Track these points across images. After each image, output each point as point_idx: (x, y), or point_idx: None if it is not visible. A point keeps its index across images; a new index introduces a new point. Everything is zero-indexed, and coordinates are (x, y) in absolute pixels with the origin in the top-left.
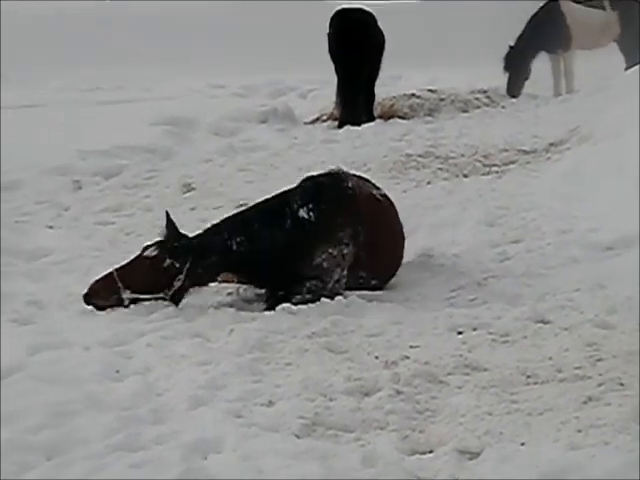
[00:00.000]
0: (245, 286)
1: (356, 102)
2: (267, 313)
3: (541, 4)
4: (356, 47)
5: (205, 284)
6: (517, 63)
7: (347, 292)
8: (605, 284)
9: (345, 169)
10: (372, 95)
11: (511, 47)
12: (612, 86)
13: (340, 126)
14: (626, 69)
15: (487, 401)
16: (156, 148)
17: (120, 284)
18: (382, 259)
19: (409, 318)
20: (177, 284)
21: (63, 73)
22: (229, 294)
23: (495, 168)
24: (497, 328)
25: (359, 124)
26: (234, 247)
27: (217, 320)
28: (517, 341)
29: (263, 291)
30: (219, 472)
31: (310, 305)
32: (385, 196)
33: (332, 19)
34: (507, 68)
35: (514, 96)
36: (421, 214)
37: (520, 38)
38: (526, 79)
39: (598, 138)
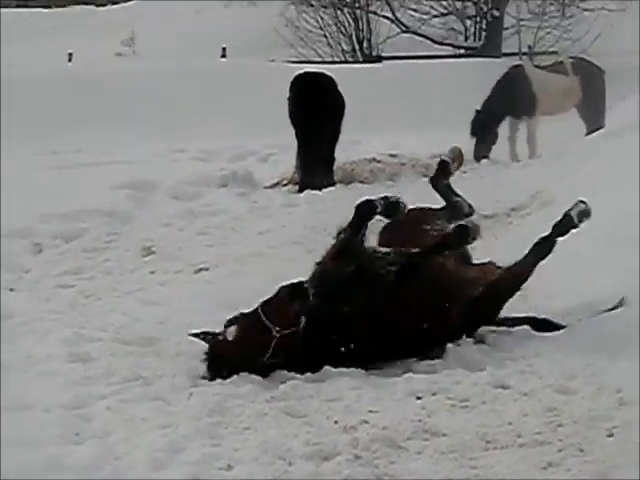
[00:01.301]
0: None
1: (316, 166)
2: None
3: (506, 69)
4: (316, 111)
5: None
6: (484, 128)
7: None
8: (564, 350)
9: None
10: (332, 159)
11: (478, 112)
12: (572, 151)
13: (300, 190)
14: (587, 134)
15: (446, 466)
16: (116, 212)
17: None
18: None
19: (368, 383)
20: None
21: (18, 138)
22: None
23: None
24: (456, 393)
25: (319, 188)
26: None
27: (176, 384)
28: (476, 406)
29: None
30: None
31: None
32: None
33: (292, 83)
34: (474, 133)
35: (480, 159)
36: None
37: (487, 103)
38: (493, 144)
39: (559, 202)
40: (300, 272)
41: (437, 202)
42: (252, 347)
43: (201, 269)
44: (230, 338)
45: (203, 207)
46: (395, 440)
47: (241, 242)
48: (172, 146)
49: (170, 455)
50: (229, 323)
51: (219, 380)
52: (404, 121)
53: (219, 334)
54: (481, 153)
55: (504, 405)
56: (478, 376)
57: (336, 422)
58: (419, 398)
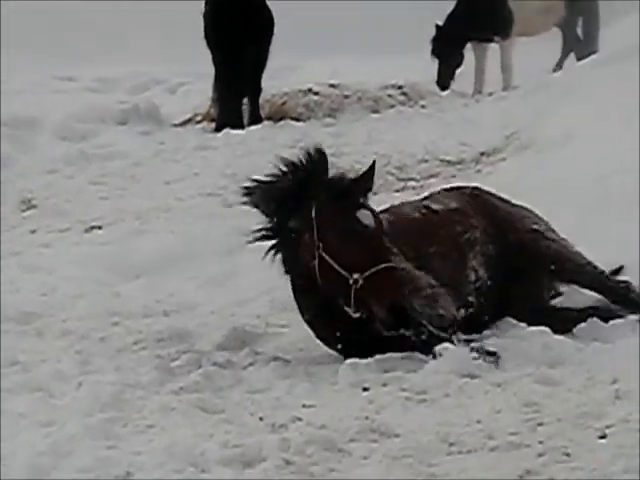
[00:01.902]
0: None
1: (238, 99)
2: (122, 362)
3: None
4: (237, 30)
5: None
6: (448, 47)
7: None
8: (548, 331)
9: None
10: (258, 90)
11: (439, 28)
12: (556, 83)
13: (218, 129)
14: (578, 60)
15: (399, 474)
16: None
17: None
18: None
19: (302, 370)
20: None
21: None
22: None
23: (412, 183)
24: (412, 384)
25: (242, 127)
26: None
27: (62, 370)
28: (437, 400)
29: None
30: None
31: (178, 353)
32: None
33: None
34: (436, 53)
35: (444, 88)
36: None
37: (450, 18)
38: (458, 66)
39: (541, 146)
40: (217, 231)
41: (390, 146)
42: None
43: (93, 227)
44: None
45: (97, 149)
46: (335, 442)
47: (143, 193)
48: (58, 73)
49: (55, 460)
50: None
51: (117, 366)
52: (348, 43)
53: None
54: (447, 78)
55: (472, 399)
56: (439, 362)
57: (261, 419)
58: (366, 390)
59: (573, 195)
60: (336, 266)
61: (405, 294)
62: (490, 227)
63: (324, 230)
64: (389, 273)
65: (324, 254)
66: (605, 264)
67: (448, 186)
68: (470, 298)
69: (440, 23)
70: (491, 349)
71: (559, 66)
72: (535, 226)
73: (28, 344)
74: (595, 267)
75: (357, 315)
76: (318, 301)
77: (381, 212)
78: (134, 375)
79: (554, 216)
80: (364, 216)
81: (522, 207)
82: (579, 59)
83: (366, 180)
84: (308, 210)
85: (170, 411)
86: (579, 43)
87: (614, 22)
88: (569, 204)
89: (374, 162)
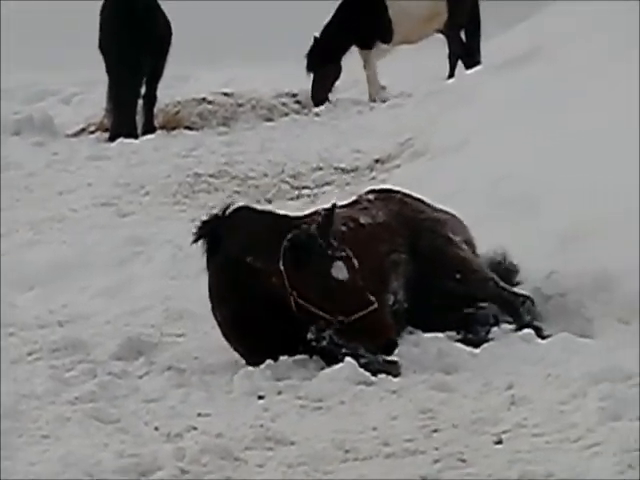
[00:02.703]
0: None
1: (132, 109)
2: (18, 373)
3: None
4: (132, 39)
5: None
6: (324, 60)
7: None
8: (443, 337)
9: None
10: (153, 100)
11: (316, 40)
12: (450, 89)
13: (112, 139)
14: (467, 68)
15: None
16: None
17: None
18: None
19: (197, 379)
20: None
21: None
22: None
23: (306, 191)
24: (307, 391)
25: (135, 136)
26: None
27: None
28: (332, 407)
29: None
30: None
31: (73, 363)
32: None
33: (104, 5)
34: (311, 68)
35: (320, 103)
36: None
37: (327, 29)
38: (336, 79)
39: (435, 153)
40: (111, 241)
41: (284, 154)
42: None
43: None
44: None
45: None
46: (231, 450)
47: (37, 204)
48: None
49: None
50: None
51: (13, 377)
52: (242, 52)
53: None
54: (321, 94)
55: (367, 406)
56: (334, 370)
57: (157, 429)
58: (261, 398)
59: (467, 200)
60: (318, 312)
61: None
62: (411, 236)
63: (296, 282)
64: (375, 314)
65: (300, 301)
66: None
67: (378, 188)
68: None
69: (317, 35)
70: (390, 358)
71: (452, 74)
72: (450, 234)
73: None
74: (497, 283)
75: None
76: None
77: (309, 216)
78: (29, 385)
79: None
80: (338, 270)
81: (449, 214)
82: (467, 68)
83: (326, 228)
84: (272, 255)
85: (65, 421)
86: (466, 51)
87: (503, 31)
88: (464, 209)
89: (333, 206)
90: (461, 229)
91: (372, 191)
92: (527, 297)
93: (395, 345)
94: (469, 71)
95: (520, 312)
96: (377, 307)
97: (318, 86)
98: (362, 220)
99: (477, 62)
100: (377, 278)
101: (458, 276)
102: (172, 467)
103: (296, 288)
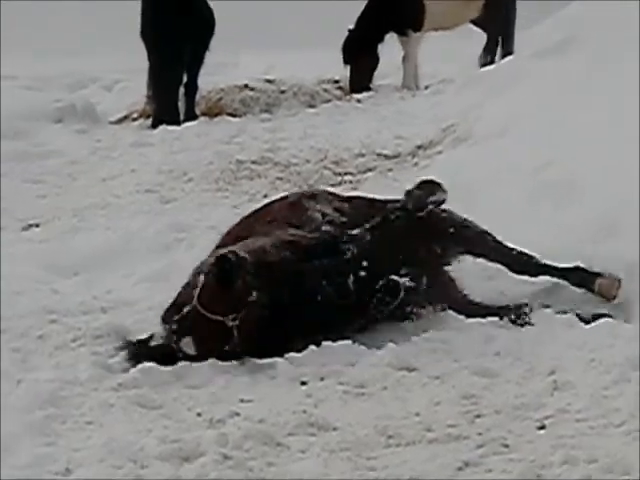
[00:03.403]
0: None
1: (174, 96)
2: (61, 359)
3: None
4: (178, 28)
5: None
6: (360, 51)
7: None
8: (486, 322)
9: None
10: (195, 87)
11: (350, 31)
12: (492, 75)
13: (154, 126)
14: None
15: (337, 467)
16: None
17: None
18: None
19: (240, 365)
20: None
21: None
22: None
23: (349, 177)
24: (350, 377)
25: (178, 123)
26: None
27: (1, 368)
28: (375, 393)
29: None
30: None
31: (116, 349)
32: None
33: None
34: (348, 59)
35: (359, 92)
36: None
37: (361, 19)
38: (374, 69)
39: (477, 139)
40: (155, 227)
41: (326, 140)
42: (211, 349)
43: (31, 225)
44: (191, 352)
45: (33, 148)
46: (273, 436)
47: (80, 191)
48: None
49: None
50: (177, 332)
51: (54, 363)
52: (284, 38)
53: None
54: (359, 83)
55: (410, 391)
56: (377, 356)
57: (199, 414)
58: (304, 383)
59: (509, 186)
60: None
61: None
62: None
63: None
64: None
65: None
66: (546, 255)
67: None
68: None
69: (351, 26)
70: None
71: (492, 60)
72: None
73: None
74: (494, 238)
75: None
76: None
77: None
78: (73, 372)
79: (491, 207)
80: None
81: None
82: (503, 55)
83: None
84: None
85: (109, 407)
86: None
87: (548, 15)
88: (505, 195)
89: None
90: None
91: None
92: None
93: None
94: (504, 60)
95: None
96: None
97: (356, 78)
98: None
99: (509, 52)
100: None
101: (452, 230)
102: (214, 453)
103: None
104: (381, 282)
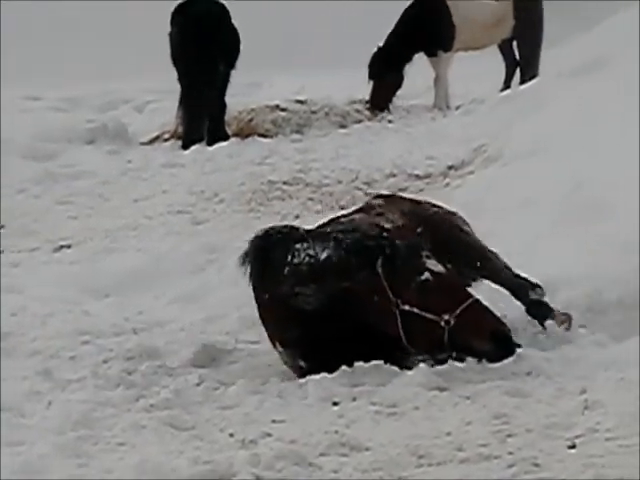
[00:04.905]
0: None
1: (204, 116)
2: (93, 381)
3: None
4: (203, 49)
5: None
6: (386, 67)
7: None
8: (517, 341)
9: None
10: (224, 107)
11: (380, 48)
12: (523, 95)
13: (185, 146)
14: (522, 81)
15: None
16: None
17: None
18: None
19: (272, 386)
20: None
21: None
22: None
23: None
24: (381, 397)
25: (209, 143)
26: None
27: (32, 389)
28: (406, 413)
29: None
30: None
31: (145, 371)
32: None
33: (173, 15)
34: (373, 75)
35: (380, 110)
36: None
37: (391, 36)
38: (398, 88)
39: (508, 159)
40: (186, 248)
41: (358, 160)
42: None
43: (62, 246)
44: None
45: (64, 169)
46: (306, 456)
47: (112, 212)
48: (24, 92)
49: (25, 479)
50: None
51: (86, 384)
52: (315, 58)
53: None
54: (380, 101)
55: (441, 411)
56: (408, 376)
57: (232, 435)
58: (336, 404)
59: (541, 206)
60: (424, 314)
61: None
62: (427, 231)
63: (397, 288)
64: (477, 306)
65: (406, 307)
66: (576, 276)
67: (382, 193)
68: None
69: (381, 44)
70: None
71: (507, 85)
72: (460, 223)
73: None
74: (510, 270)
75: (444, 356)
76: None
77: (325, 223)
78: (104, 392)
79: (522, 228)
80: (433, 265)
81: (431, 202)
82: (523, 80)
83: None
84: (369, 273)
85: (141, 428)
86: (526, 62)
87: (576, 36)
88: (537, 215)
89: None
90: (463, 220)
91: (379, 196)
92: (537, 284)
93: (507, 336)
94: (530, 82)
95: (529, 294)
96: (477, 299)
97: (378, 94)
98: (385, 225)
99: (534, 75)
100: None
101: (478, 264)
102: (247, 473)
103: (398, 295)
104: None
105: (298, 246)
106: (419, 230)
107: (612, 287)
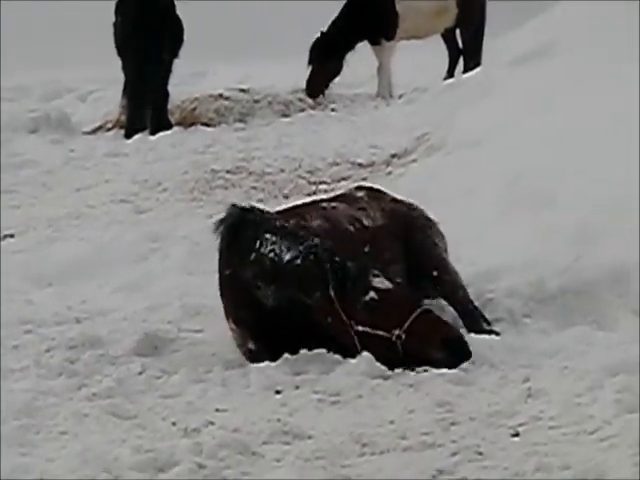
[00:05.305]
0: None
1: (147, 105)
2: (35, 370)
3: None
4: (148, 38)
5: None
6: (327, 54)
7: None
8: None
9: None
10: (166, 96)
11: (322, 34)
12: (466, 84)
13: (128, 135)
14: (465, 70)
15: (312, 476)
16: None
17: None
18: None
19: (215, 375)
20: None
21: None
22: None
23: (323, 186)
24: (324, 386)
25: (152, 132)
26: None
27: None
28: (349, 401)
29: None
30: None
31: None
32: None
33: (118, 4)
34: (312, 60)
35: (314, 96)
36: None
37: (334, 23)
38: (335, 75)
39: (451, 148)
40: (129, 237)
41: (301, 149)
42: None
43: (6, 236)
44: None
45: (7, 158)
46: (248, 445)
47: (55, 201)
48: None
49: None
50: None
51: (28, 373)
52: (260, 47)
53: None
54: (316, 87)
55: (384, 400)
56: (351, 364)
57: (174, 424)
58: (278, 392)
59: (484, 194)
60: (375, 332)
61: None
62: (404, 235)
63: (349, 310)
64: (425, 316)
65: (359, 327)
66: (519, 265)
67: (364, 185)
68: None
69: (324, 29)
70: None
71: (450, 74)
72: (437, 238)
73: None
74: (466, 293)
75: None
76: None
77: (306, 205)
78: (47, 382)
79: (465, 217)
80: (380, 282)
81: (412, 204)
82: (467, 69)
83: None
84: (322, 294)
85: (83, 417)
86: (469, 52)
87: (522, 23)
88: (481, 203)
89: None
90: (439, 232)
91: (360, 187)
92: (489, 322)
93: (461, 341)
94: (473, 71)
95: (480, 323)
96: (427, 309)
97: (315, 81)
98: (365, 222)
99: (477, 64)
100: None
101: (435, 273)
102: (189, 462)
103: (350, 316)
104: None
105: (267, 236)
106: (366, 250)
107: (555, 276)
